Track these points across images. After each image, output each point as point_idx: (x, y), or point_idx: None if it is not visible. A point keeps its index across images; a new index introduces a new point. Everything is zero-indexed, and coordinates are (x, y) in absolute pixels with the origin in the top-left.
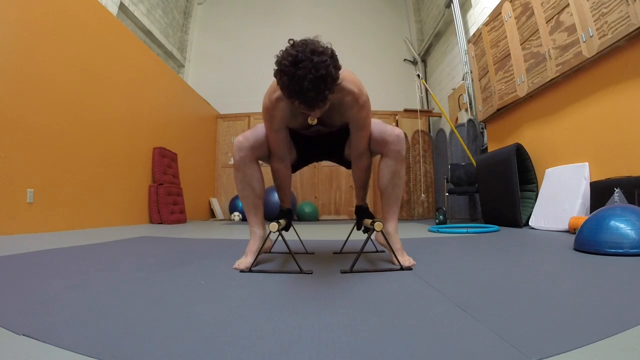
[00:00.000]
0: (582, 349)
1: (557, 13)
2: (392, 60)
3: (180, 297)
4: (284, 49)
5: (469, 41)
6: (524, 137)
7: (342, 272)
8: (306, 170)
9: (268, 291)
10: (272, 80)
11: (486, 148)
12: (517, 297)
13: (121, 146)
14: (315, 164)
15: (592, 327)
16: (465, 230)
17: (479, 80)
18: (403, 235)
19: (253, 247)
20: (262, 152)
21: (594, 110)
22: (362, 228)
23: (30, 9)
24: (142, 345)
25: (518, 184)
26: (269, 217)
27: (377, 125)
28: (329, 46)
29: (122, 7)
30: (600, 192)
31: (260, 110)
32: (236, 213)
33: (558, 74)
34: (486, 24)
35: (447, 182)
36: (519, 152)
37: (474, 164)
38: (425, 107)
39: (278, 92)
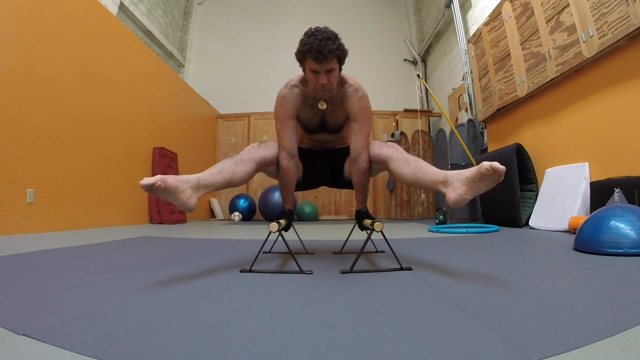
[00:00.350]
0: (582, 349)
1: (557, 13)
2: (392, 60)
3: (180, 297)
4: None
5: (469, 41)
6: (524, 137)
7: (342, 272)
8: None
9: (268, 291)
10: (272, 80)
11: (486, 148)
12: (517, 297)
13: (121, 146)
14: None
15: (592, 327)
16: (465, 230)
17: (479, 80)
18: (403, 235)
19: (172, 177)
20: (265, 167)
21: (594, 110)
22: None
23: (30, 9)
24: (142, 345)
25: (518, 184)
26: (269, 217)
27: (374, 143)
28: None
29: (122, 7)
30: (600, 192)
31: (260, 109)
32: (236, 213)
33: (558, 74)
34: (486, 24)
35: None
36: (519, 152)
37: (474, 164)
38: (425, 107)
39: (294, 82)
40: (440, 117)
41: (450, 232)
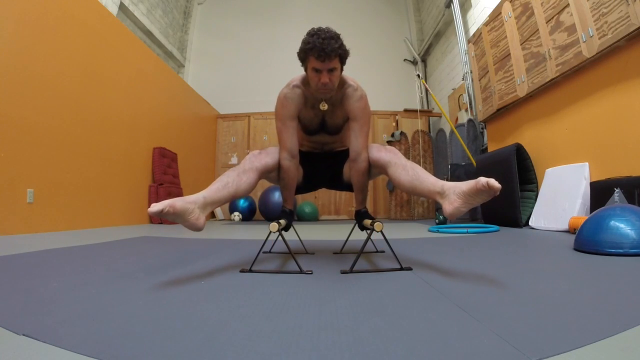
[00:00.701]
0: (582, 349)
1: (557, 13)
2: (392, 60)
3: (180, 297)
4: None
5: (469, 41)
6: (524, 137)
7: (342, 272)
8: None
9: (268, 291)
10: (272, 80)
11: (486, 148)
12: (517, 297)
13: (121, 146)
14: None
15: (592, 327)
16: (465, 230)
17: (479, 80)
18: (403, 235)
19: (179, 200)
20: (267, 174)
21: (594, 110)
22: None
23: (30, 9)
24: (142, 345)
25: (518, 184)
26: (269, 217)
27: (372, 146)
28: None
29: (122, 7)
30: (600, 192)
31: (260, 109)
32: (236, 213)
33: (558, 74)
34: (486, 24)
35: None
36: (519, 152)
37: (474, 164)
38: (425, 107)
39: (295, 82)
40: (440, 117)
41: (450, 232)
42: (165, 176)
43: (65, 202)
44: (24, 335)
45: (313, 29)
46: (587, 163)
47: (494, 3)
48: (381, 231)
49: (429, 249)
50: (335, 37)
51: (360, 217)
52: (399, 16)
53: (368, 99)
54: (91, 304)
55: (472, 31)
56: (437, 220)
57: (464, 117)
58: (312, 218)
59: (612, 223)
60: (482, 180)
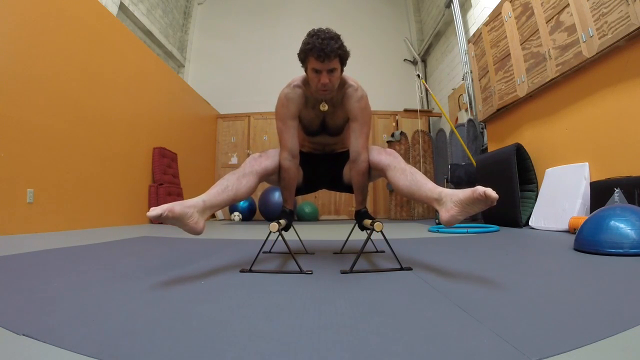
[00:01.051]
0: (582, 349)
1: (557, 13)
2: (392, 60)
3: (180, 297)
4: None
5: (469, 41)
6: (524, 137)
7: (342, 272)
8: None
9: (268, 291)
10: (272, 80)
11: (486, 148)
12: (517, 297)
13: (121, 146)
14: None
15: (592, 327)
16: (465, 230)
17: (479, 80)
18: (403, 235)
19: (178, 205)
20: (267, 177)
21: (594, 110)
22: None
23: (30, 9)
24: (142, 345)
25: (518, 184)
26: (269, 217)
27: (373, 149)
28: None
29: (122, 7)
30: (600, 192)
31: (260, 110)
32: (236, 213)
33: (558, 74)
34: (486, 24)
35: (447, 182)
36: (519, 152)
37: (474, 164)
38: (425, 107)
39: (296, 82)
40: (440, 117)
41: (450, 232)
42: (165, 176)
43: (65, 202)
44: (24, 335)
45: (313, 29)
46: (587, 163)
47: (494, 3)
48: (381, 231)
49: (429, 249)
50: (335, 37)
51: (360, 217)
52: (399, 16)
53: (368, 99)
54: (91, 304)
55: (472, 31)
56: (437, 220)
57: (464, 117)
58: (312, 218)
59: (612, 223)
60: (480, 189)
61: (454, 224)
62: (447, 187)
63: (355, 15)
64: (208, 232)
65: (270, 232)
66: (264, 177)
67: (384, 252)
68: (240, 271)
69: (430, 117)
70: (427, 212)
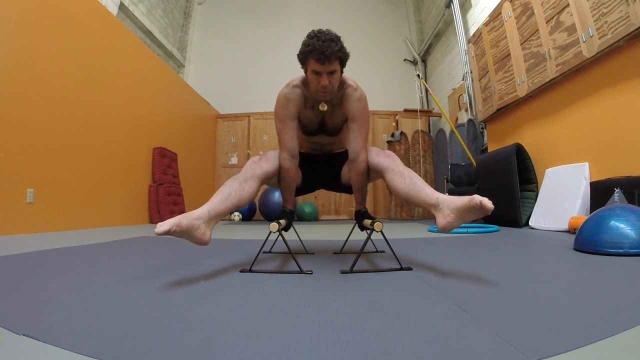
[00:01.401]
0: (582, 349)
1: (557, 13)
2: (392, 60)
3: (180, 297)
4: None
5: (469, 41)
6: (524, 137)
7: (342, 273)
8: None
9: (268, 291)
10: (272, 80)
11: (486, 148)
12: (517, 297)
13: (121, 146)
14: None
15: (592, 327)
16: (465, 230)
17: (479, 80)
18: (403, 235)
19: (185, 218)
20: (267, 180)
21: (594, 110)
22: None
23: (30, 9)
24: (142, 345)
25: (518, 184)
26: (269, 217)
27: (371, 150)
28: None
29: (122, 7)
30: (600, 192)
31: (260, 110)
32: (236, 213)
33: (558, 74)
34: (486, 24)
35: (447, 182)
36: (519, 152)
37: (474, 164)
38: (425, 107)
39: (295, 82)
40: (440, 117)
41: (450, 232)
42: (165, 176)
43: (65, 202)
44: (24, 335)
45: (313, 31)
46: (587, 163)
47: (494, 3)
48: (381, 231)
49: (429, 249)
50: (336, 39)
51: (360, 217)
52: (399, 16)
53: (368, 99)
54: (91, 304)
55: (472, 31)
56: None
57: (464, 117)
58: (312, 218)
59: (612, 223)
60: (477, 199)
61: (450, 230)
62: (447, 187)
63: (355, 15)
64: None
65: (270, 232)
66: (265, 180)
67: (384, 252)
68: (240, 271)
69: (430, 117)
70: (427, 212)
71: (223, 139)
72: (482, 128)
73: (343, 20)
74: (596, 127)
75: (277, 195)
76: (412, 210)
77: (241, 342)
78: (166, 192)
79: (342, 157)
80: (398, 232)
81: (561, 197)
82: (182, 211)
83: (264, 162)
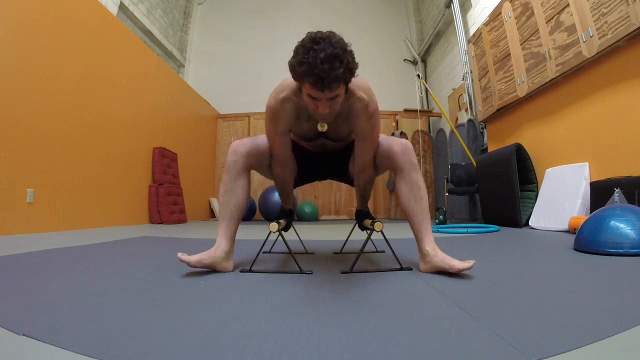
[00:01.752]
0: (582, 349)
1: (557, 13)
2: (392, 60)
3: (180, 297)
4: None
5: (469, 41)
6: (524, 137)
7: (342, 273)
8: None
9: (268, 291)
10: (272, 80)
11: (486, 148)
12: (517, 297)
13: (121, 146)
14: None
15: (592, 327)
16: (465, 230)
17: (479, 80)
18: (403, 235)
19: (207, 256)
20: (257, 161)
21: (594, 110)
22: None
23: (30, 9)
24: (142, 345)
25: (518, 184)
26: (269, 217)
27: (383, 139)
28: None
29: (122, 7)
30: (600, 192)
31: (260, 110)
32: None
33: (558, 74)
34: (486, 24)
35: (447, 182)
36: (519, 152)
37: (474, 164)
38: (425, 107)
39: (285, 92)
40: (440, 117)
41: (450, 232)
42: (165, 176)
43: (65, 202)
44: (24, 335)
45: (311, 36)
46: (587, 163)
47: (494, 3)
48: (381, 231)
49: None
50: (339, 57)
51: (361, 217)
52: (399, 16)
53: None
54: (91, 304)
55: (472, 31)
56: (437, 220)
57: (464, 117)
58: (312, 218)
59: (612, 223)
60: (455, 269)
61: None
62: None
63: (355, 15)
64: (208, 232)
65: (270, 232)
66: (253, 167)
67: (384, 252)
68: (241, 271)
69: (430, 117)
70: None
71: (223, 139)
72: (482, 128)
73: (343, 20)
74: (596, 127)
75: (277, 195)
76: None
77: (241, 342)
78: (166, 192)
79: (348, 149)
80: (398, 232)
81: (561, 197)
82: (181, 211)
83: (244, 154)
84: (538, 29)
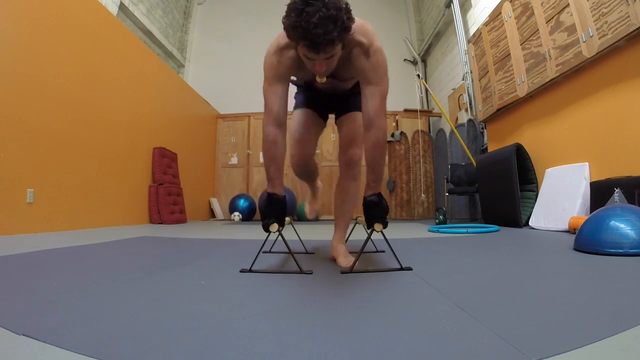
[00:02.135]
0: (582, 349)
1: (557, 13)
2: (392, 60)
3: (180, 297)
4: None
5: (469, 41)
6: (524, 137)
7: (342, 272)
8: None
9: (268, 291)
10: None
11: (486, 148)
12: (517, 297)
13: (121, 146)
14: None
15: (592, 327)
16: (465, 230)
17: (479, 80)
18: (403, 235)
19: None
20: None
21: (594, 110)
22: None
23: (30, 9)
24: (142, 345)
25: (518, 184)
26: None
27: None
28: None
29: (122, 7)
30: (600, 192)
31: (260, 110)
32: (236, 213)
33: (558, 74)
34: (486, 24)
35: (447, 182)
36: (519, 152)
37: (474, 164)
38: (425, 107)
39: (286, 40)
40: (440, 117)
41: (450, 232)
42: (165, 176)
43: (65, 202)
44: (24, 335)
45: (296, 1)
46: (587, 163)
47: (494, 3)
48: (381, 231)
49: (429, 249)
50: (333, 17)
51: (370, 208)
52: (399, 16)
53: (383, 49)
54: (91, 304)
55: (472, 31)
56: (437, 220)
57: (464, 117)
58: (312, 218)
59: (612, 223)
60: (340, 263)
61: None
62: (447, 187)
63: (355, 15)
64: (208, 232)
65: (270, 232)
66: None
67: (384, 252)
68: (240, 271)
69: (430, 117)
70: (427, 212)
71: (223, 139)
72: (482, 128)
73: None
74: (596, 127)
75: None
76: (412, 211)
77: (241, 342)
78: (166, 192)
79: (357, 87)
80: (398, 232)
81: (561, 197)
82: (181, 211)
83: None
84: (538, 29)
